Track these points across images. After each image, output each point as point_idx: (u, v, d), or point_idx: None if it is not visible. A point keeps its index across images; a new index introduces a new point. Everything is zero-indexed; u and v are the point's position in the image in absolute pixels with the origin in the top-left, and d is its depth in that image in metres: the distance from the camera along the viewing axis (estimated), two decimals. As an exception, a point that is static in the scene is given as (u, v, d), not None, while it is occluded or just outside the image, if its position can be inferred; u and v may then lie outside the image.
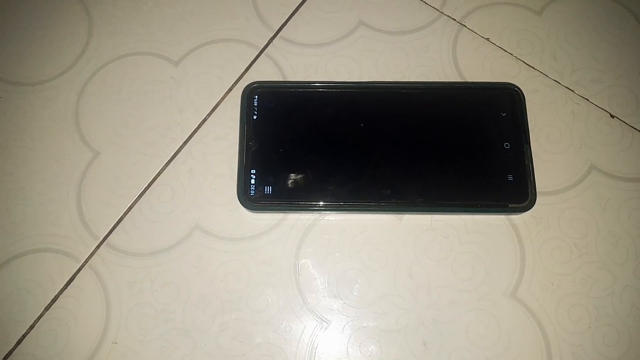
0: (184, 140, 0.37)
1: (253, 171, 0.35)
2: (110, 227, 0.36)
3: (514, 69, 0.38)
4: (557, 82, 0.38)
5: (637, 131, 0.37)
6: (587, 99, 0.38)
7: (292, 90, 0.37)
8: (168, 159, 0.37)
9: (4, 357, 0.34)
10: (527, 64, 0.39)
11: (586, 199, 0.36)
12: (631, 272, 0.34)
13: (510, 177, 0.35)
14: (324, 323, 0.34)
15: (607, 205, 0.35)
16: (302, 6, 0.40)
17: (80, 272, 0.35)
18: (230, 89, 0.38)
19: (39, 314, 0.34)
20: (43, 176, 0.37)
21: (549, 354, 0.33)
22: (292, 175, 0.35)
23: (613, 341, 0.33)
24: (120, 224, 0.36)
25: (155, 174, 0.37)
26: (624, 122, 0.37)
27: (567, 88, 0.38)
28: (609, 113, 0.37)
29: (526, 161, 0.35)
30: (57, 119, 0.38)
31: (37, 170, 0.37)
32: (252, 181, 0.35)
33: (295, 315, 0.34)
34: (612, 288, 0.34)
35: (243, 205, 0.35)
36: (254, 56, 0.39)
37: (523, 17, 0.40)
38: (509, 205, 0.34)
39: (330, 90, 0.37)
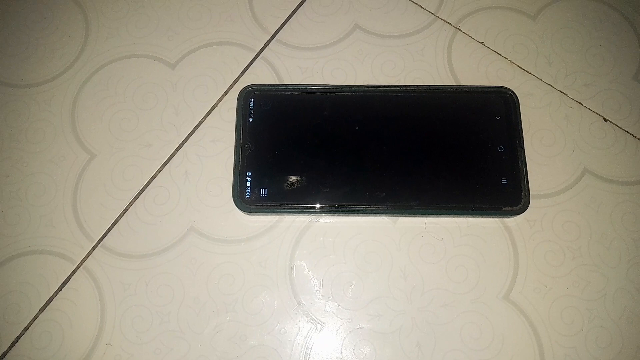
0: (180, 142, 0.37)
1: (249, 174, 0.35)
2: (106, 229, 0.36)
3: (509, 73, 0.39)
4: (551, 86, 0.38)
5: (630, 135, 0.37)
6: (580, 103, 0.38)
7: (288, 93, 0.37)
8: (164, 161, 0.37)
9: (-1, 359, 0.34)
10: (521, 68, 0.39)
11: (579, 202, 0.36)
12: (624, 274, 0.34)
13: (504, 180, 0.35)
14: (318, 325, 0.34)
15: (600, 209, 0.36)
16: (299, 10, 0.40)
17: (75, 274, 0.35)
18: (226, 92, 0.38)
19: (33, 316, 0.34)
20: (39, 178, 0.37)
21: (542, 356, 0.33)
22: (288, 178, 0.35)
23: (606, 343, 0.33)
24: (116, 226, 0.36)
25: (151, 176, 0.37)
26: (617, 126, 0.37)
27: (561, 92, 0.38)
28: (602, 117, 0.38)
29: (520, 164, 0.35)
30: (53, 121, 0.38)
31: (33, 172, 0.37)
32: (248, 183, 0.35)
33: (289, 317, 0.34)
34: (605, 291, 0.34)
35: (238, 208, 0.35)
36: (250, 59, 0.39)
37: (518, 21, 0.40)
38: (503, 208, 0.35)
39: (325, 93, 0.37)
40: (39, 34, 0.40)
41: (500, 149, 0.36)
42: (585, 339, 0.33)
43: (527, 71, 0.39)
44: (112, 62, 0.39)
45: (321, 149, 0.36)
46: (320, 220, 0.36)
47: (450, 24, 0.40)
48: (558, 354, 0.33)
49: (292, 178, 0.35)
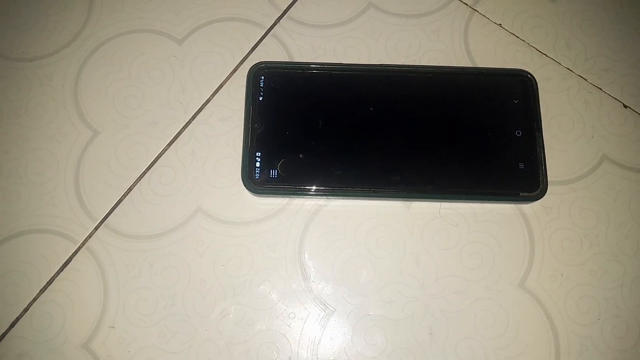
0: (187, 121, 0.36)
1: (258, 154, 0.34)
2: (109, 209, 0.34)
3: (526, 56, 0.38)
4: (570, 70, 0.37)
5: (649, 122, 0.36)
6: (600, 88, 0.37)
7: (300, 71, 0.36)
8: (170, 139, 0.36)
9: (-3, 340, 0.33)
10: (539, 51, 0.38)
11: (597, 190, 0.35)
12: (642, 264, 0.34)
13: (521, 166, 0.34)
14: (328, 310, 0.33)
15: (619, 196, 0.35)
16: (310, -14, 0.39)
17: (77, 254, 0.34)
18: (235, 69, 0.37)
19: (33, 297, 0.33)
20: (40, 155, 0.36)
21: (557, 345, 0.32)
22: (299, 159, 0.34)
23: (622, 333, 0.33)
24: (120, 206, 0.35)
25: (157, 155, 0.35)
26: (637, 112, 0.36)
27: (580, 76, 0.37)
28: (622, 103, 0.37)
29: (538, 149, 0.34)
30: (56, 97, 0.37)
31: (34, 149, 0.36)
32: (257, 164, 0.34)
33: (299, 301, 0.33)
34: (622, 280, 0.33)
35: (247, 189, 0.34)
36: (260, 36, 0.38)
37: (536, 3, 0.39)
38: (520, 194, 0.34)
39: (339, 72, 0.36)
40: (40, 5, 0.38)
41: (518, 133, 0.35)
42: (601, 328, 0.33)
43: (545, 54, 0.38)
44: (116, 36, 0.38)
45: (333, 130, 0.35)
46: (331, 204, 0.35)
47: (467, 4, 0.39)
48: (573, 343, 0.32)
49: (303, 159, 0.34)
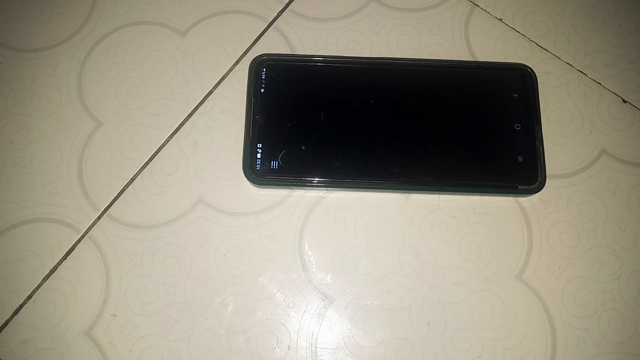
0: (189, 112, 0.36)
1: (259, 145, 0.34)
2: (112, 198, 0.35)
3: (527, 51, 0.38)
4: (570, 65, 0.38)
5: (648, 117, 0.37)
6: (599, 83, 0.37)
7: (302, 64, 0.36)
8: (172, 131, 0.36)
9: (1, 327, 0.33)
10: (539, 46, 0.38)
11: (596, 183, 0.35)
12: (639, 257, 0.34)
13: (520, 159, 0.34)
14: (327, 300, 0.33)
15: (617, 190, 0.35)
16: (313, -20, 0.39)
17: (80, 243, 0.34)
18: (237, 62, 0.37)
19: (37, 285, 0.34)
20: (43, 145, 0.36)
21: (554, 337, 0.33)
22: (299, 151, 0.34)
23: (619, 326, 0.33)
24: (122, 196, 0.35)
25: (159, 145, 0.36)
26: (636, 107, 0.37)
27: (580, 71, 0.37)
28: (621, 98, 0.37)
29: (537, 143, 0.35)
30: (59, 87, 0.37)
31: (38, 139, 0.36)
32: (259, 155, 0.34)
33: (298, 291, 0.33)
34: (619, 273, 0.34)
35: (249, 180, 0.34)
36: (263, 29, 0.38)
37: (537, -2, 0.39)
38: (518, 187, 0.34)
39: (340, 65, 0.36)
40: (46, -3, 0.39)
41: (517, 126, 0.35)
42: (598, 321, 0.33)
43: (545, 49, 0.38)
44: (120, 28, 0.38)
45: (334, 122, 0.35)
46: (331, 195, 0.35)
47: (468, -1, 0.39)
48: (570, 335, 0.33)
49: (304, 151, 0.34)
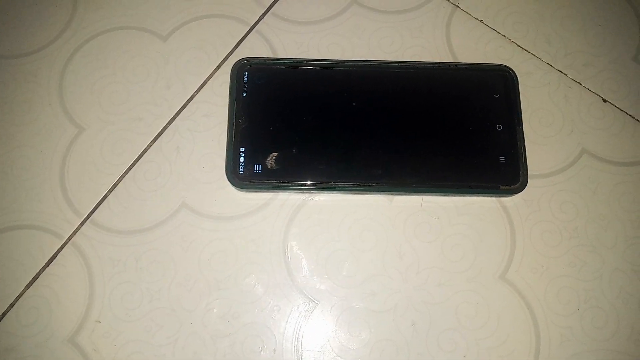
0: (171, 117, 0.36)
1: (242, 149, 0.34)
2: (95, 204, 0.35)
3: (507, 52, 0.38)
4: (551, 65, 0.38)
5: (628, 116, 0.37)
6: (579, 83, 0.38)
7: (284, 67, 0.36)
8: (154, 135, 0.36)
9: (-17, 336, 0.33)
10: (520, 47, 0.38)
11: (577, 183, 0.35)
12: (620, 255, 0.34)
13: (502, 159, 0.35)
14: (312, 303, 0.33)
15: (598, 189, 0.35)
16: (295, -17, 0.39)
17: (63, 249, 0.34)
18: (219, 66, 0.37)
19: (19, 292, 0.33)
20: (25, 152, 0.36)
21: (538, 335, 0.33)
22: (282, 154, 0.34)
23: (601, 323, 0.33)
24: (105, 201, 0.35)
25: (142, 150, 0.36)
26: (616, 106, 0.37)
27: (560, 72, 0.38)
28: (602, 97, 0.37)
29: (518, 143, 0.35)
30: (41, 93, 0.37)
31: (19, 146, 0.36)
32: (242, 159, 0.34)
33: (283, 295, 0.33)
34: (601, 271, 0.34)
35: (232, 184, 0.34)
36: (244, 32, 0.38)
37: (517, 0, 0.39)
38: (501, 187, 0.34)
39: (322, 68, 0.36)
40: (25, 2, 0.39)
41: (499, 127, 0.35)
42: (581, 319, 0.33)
43: (526, 50, 0.38)
44: (101, 33, 0.38)
45: (317, 125, 0.35)
46: (315, 198, 0.35)
47: (449, 1, 0.39)
48: (554, 333, 0.33)
49: (287, 154, 0.34)
